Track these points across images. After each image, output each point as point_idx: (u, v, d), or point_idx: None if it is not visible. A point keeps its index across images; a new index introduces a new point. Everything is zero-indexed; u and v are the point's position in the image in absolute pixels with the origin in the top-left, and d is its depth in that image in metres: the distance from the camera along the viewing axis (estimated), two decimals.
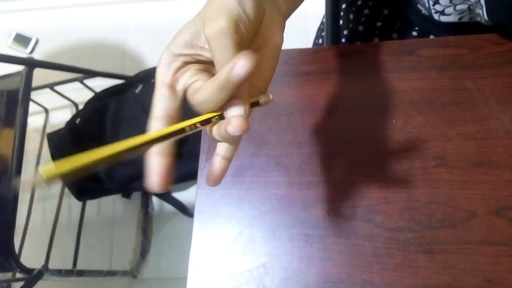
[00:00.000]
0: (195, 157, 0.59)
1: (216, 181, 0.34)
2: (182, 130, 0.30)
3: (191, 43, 0.32)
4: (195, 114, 0.31)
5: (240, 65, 0.26)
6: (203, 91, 0.29)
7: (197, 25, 0.32)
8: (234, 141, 0.34)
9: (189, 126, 0.30)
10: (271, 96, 0.33)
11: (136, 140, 0.28)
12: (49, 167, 0.24)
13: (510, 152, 0.47)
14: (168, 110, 0.33)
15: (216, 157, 0.34)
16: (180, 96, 0.33)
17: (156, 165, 0.31)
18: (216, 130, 0.31)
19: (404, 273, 0.45)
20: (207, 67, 0.34)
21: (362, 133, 0.51)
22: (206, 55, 0.33)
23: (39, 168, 0.24)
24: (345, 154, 0.51)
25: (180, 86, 0.33)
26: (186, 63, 0.34)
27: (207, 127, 0.32)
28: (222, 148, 0.34)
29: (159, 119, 0.32)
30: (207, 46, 0.31)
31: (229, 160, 0.34)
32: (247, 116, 0.30)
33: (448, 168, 0.48)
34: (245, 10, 0.31)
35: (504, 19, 0.48)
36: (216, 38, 0.29)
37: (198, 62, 0.34)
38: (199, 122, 0.30)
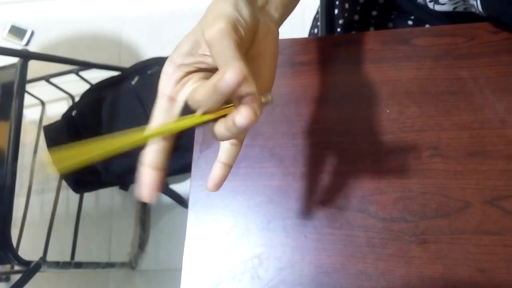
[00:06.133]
0: (192, 149, 0.59)
1: (216, 186, 0.36)
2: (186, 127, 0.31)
3: (191, 51, 0.33)
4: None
5: (228, 77, 0.27)
6: (200, 91, 0.29)
7: (196, 34, 0.32)
8: (239, 136, 0.35)
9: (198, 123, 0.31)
10: (270, 97, 0.34)
11: (141, 134, 0.29)
12: (55, 156, 0.26)
13: (505, 141, 0.47)
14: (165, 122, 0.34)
15: (217, 164, 0.36)
16: (178, 109, 0.34)
17: (147, 179, 0.33)
18: (223, 124, 0.31)
19: (398, 263, 0.45)
20: (210, 75, 0.35)
21: (356, 123, 0.51)
22: (208, 61, 0.33)
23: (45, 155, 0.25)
24: (340, 145, 0.51)
25: (180, 97, 0.34)
26: (188, 73, 0.34)
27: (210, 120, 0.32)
28: (223, 154, 0.36)
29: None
30: (207, 53, 0.32)
31: (229, 166, 0.36)
32: (258, 108, 0.30)
33: (443, 158, 0.47)
34: (242, 15, 0.31)
35: (498, 10, 0.47)
36: (216, 40, 0.29)
37: (200, 70, 0.34)
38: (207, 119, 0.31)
